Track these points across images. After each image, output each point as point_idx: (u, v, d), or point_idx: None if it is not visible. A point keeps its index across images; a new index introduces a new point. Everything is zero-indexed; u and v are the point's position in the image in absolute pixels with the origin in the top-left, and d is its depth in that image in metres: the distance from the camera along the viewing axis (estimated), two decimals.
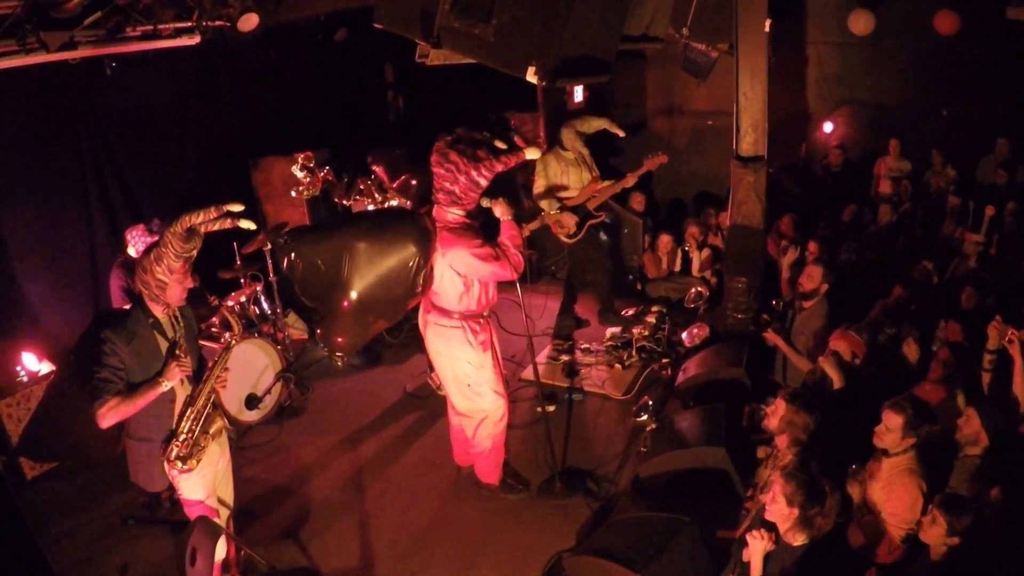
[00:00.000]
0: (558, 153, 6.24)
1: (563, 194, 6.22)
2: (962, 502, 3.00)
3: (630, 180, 6.30)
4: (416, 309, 4.66)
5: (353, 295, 4.13)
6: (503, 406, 4.63)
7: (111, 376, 3.36)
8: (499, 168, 4.22)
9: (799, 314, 5.38)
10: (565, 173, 6.21)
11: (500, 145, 4.30)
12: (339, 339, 4.21)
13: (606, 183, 6.30)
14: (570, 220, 6.20)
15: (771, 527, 3.25)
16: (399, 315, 4.49)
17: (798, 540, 3.16)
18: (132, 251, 5.08)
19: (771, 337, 5.19)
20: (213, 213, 3.50)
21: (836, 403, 4.35)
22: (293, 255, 4.16)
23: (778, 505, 3.15)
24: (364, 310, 4.18)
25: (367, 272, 4.14)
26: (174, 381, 3.45)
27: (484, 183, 4.24)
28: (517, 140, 4.44)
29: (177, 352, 3.48)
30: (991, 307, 4.83)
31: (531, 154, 4.45)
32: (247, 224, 3.67)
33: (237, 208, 3.58)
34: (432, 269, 4.32)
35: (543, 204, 6.23)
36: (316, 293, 4.24)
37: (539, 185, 6.25)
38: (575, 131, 6.20)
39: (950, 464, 3.69)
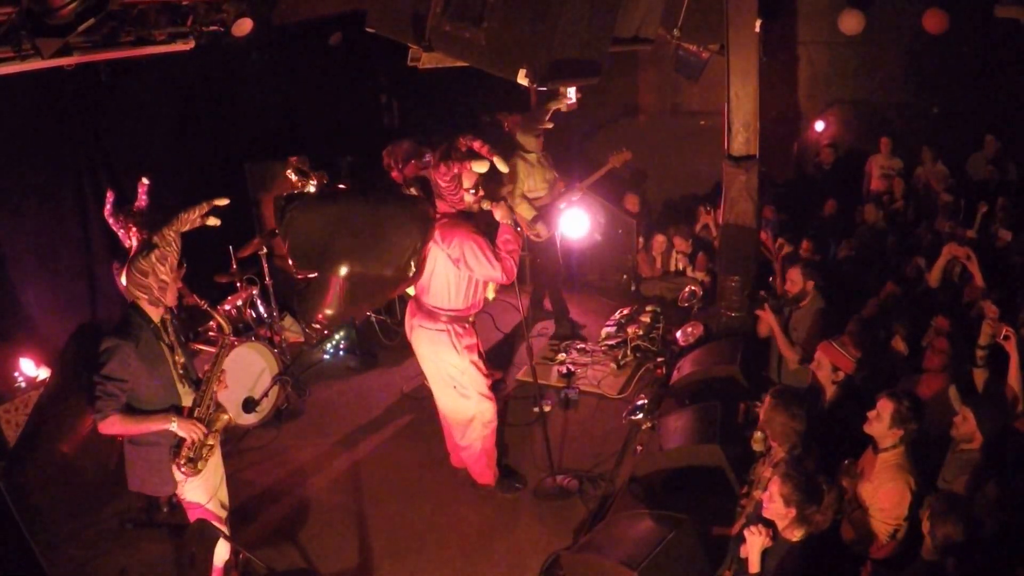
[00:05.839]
0: (521, 156, 6.28)
1: (532, 195, 6.28)
2: (952, 506, 3.01)
3: (593, 178, 6.51)
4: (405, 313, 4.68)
5: (345, 265, 4.04)
6: (491, 408, 4.65)
7: (115, 391, 3.35)
8: (443, 170, 4.23)
9: (795, 311, 5.42)
10: (531, 175, 6.28)
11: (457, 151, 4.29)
12: (321, 312, 4.13)
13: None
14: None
15: (769, 523, 3.27)
16: (383, 299, 4.42)
17: (796, 536, 3.18)
18: None
19: (765, 315, 5.19)
20: (206, 208, 3.59)
21: (829, 405, 4.38)
22: (293, 211, 4.10)
23: (775, 504, 3.17)
24: (353, 283, 4.09)
25: (363, 243, 4.07)
26: (183, 433, 3.46)
27: (443, 183, 4.28)
28: (479, 149, 4.34)
29: (196, 417, 3.53)
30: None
31: (477, 167, 4.31)
32: (213, 221, 3.70)
33: (223, 202, 3.67)
34: (425, 258, 4.31)
35: (515, 206, 6.26)
36: (307, 257, 4.13)
37: (508, 188, 6.29)
38: (533, 131, 6.21)
39: (943, 456, 3.72)
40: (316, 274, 4.15)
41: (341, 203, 4.22)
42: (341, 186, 4.51)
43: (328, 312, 4.13)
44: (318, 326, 4.20)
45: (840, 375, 4.32)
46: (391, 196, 4.39)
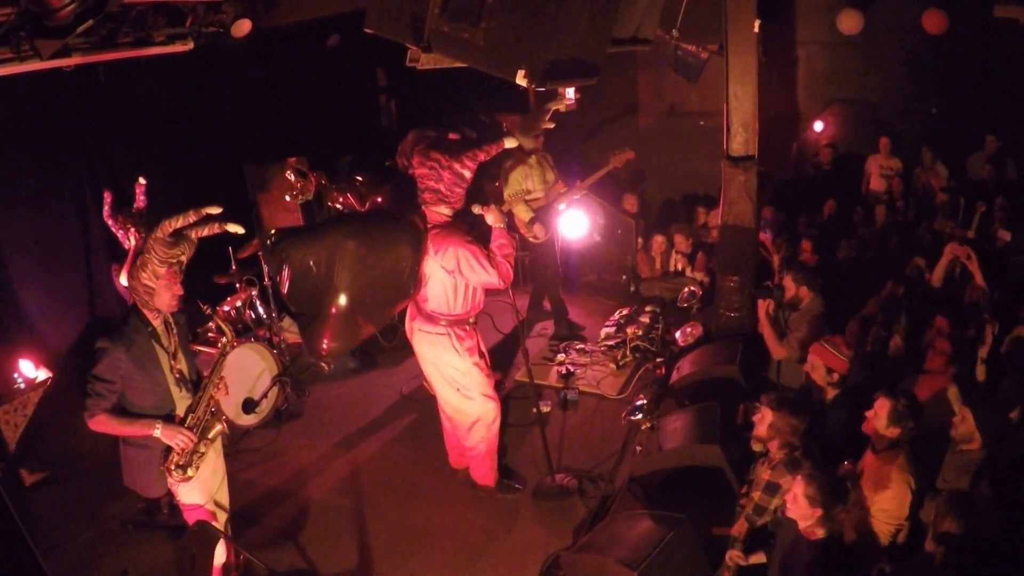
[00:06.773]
0: (520, 157, 6.27)
1: (530, 196, 6.27)
2: (955, 503, 3.01)
3: (594, 178, 6.49)
4: (404, 314, 4.67)
5: (343, 297, 4.10)
6: (494, 409, 4.65)
7: (104, 391, 3.38)
8: (481, 157, 4.24)
9: (791, 314, 5.41)
10: (529, 176, 6.27)
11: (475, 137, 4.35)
12: (326, 344, 4.17)
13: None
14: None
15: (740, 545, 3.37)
16: (386, 319, 4.50)
17: (818, 534, 3.16)
18: None
19: (762, 306, 5.17)
20: (192, 217, 3.52)
21: (827, 406, 4.37)
22: (283, 257, 4.11)
23: (799, 506, 3.14)
24: (354, 312, 4.15)
25: (358, 273, 4.11)
26: (167, 441, 3.45)
27: (468, 175, 4.26)
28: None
29: (188, 425, 3.52)
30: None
31: (509, 142, 4.49)
32: (235, 228, 3.68)
33: (215, 211, 3.57)
34: (422, 273, 4.34)
35: (513, 206, 6.27)
36: (304, 297, 4.18)
37: (506, 189, 6.28)
38: (531, 132, 6.18)
39: (943, 456, 3.72)
40: (318, 309, 4.16)
41: (329, 235, 4.19)
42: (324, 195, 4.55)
43: (333, 344, 4.19)
44: (328, 357, 4.23)
45: (835, 376, 4.31)
46: (379, 219, 4.42)
